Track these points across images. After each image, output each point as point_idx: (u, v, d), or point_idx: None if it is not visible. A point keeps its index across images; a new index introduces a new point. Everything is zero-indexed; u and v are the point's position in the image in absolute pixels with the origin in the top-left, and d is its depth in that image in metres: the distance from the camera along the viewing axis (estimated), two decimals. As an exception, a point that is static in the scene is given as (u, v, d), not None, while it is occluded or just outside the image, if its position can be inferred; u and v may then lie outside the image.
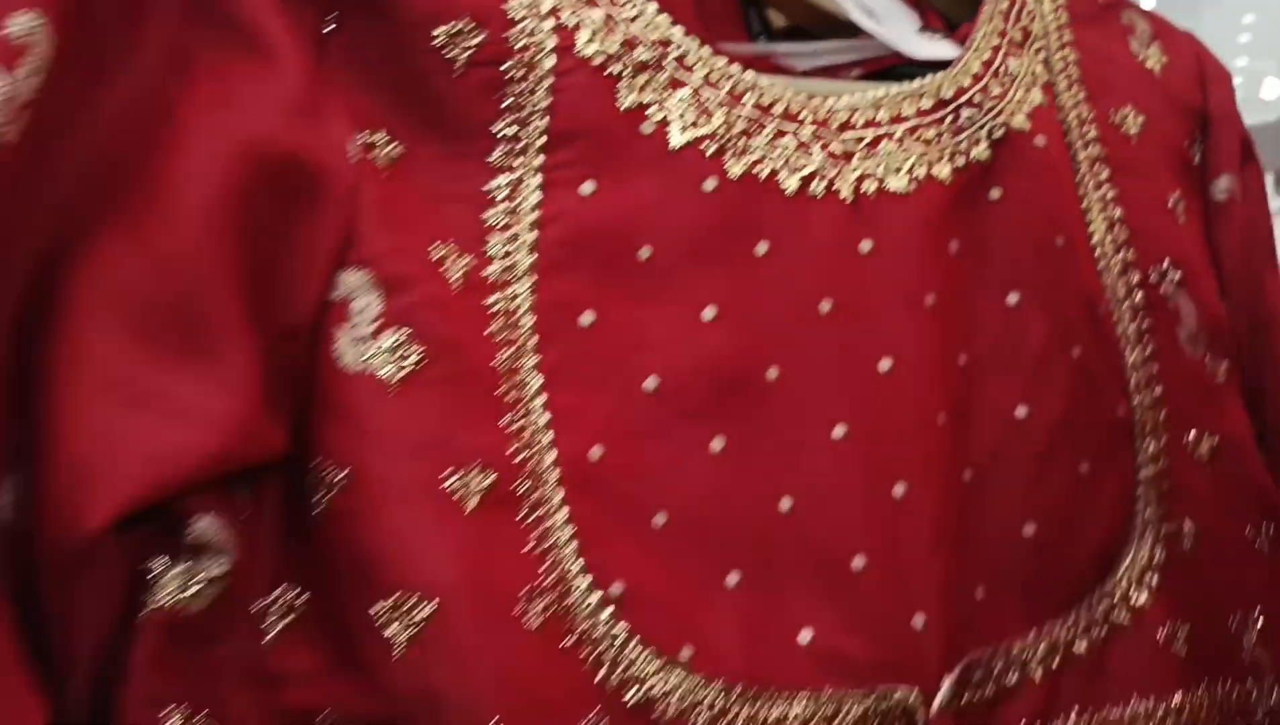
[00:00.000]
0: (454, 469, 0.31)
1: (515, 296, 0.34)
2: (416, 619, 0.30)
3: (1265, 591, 0.46)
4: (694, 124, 0.37)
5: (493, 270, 0.33)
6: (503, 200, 0.34)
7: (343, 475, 0.30)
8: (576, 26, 0.35)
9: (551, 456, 0.34)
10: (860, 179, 0.40)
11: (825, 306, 0.38)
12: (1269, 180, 0.51)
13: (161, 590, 0.28)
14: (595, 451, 0.35)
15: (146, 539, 0.27)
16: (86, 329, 0.26)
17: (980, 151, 0.43)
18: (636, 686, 0.34)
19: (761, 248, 0.38)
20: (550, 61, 0.35)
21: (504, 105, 0.34)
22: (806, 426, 0.37)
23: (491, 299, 0.33)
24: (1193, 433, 0.45)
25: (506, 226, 0.34)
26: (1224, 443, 0.45)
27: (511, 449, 0.32)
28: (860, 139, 0.41)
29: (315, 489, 0.30)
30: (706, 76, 0.38)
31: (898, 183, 0.41)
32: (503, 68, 0.34)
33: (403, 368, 0.31)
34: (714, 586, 0.36)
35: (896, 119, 0.42)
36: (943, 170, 0.42)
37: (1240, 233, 0.49)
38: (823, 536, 0.38)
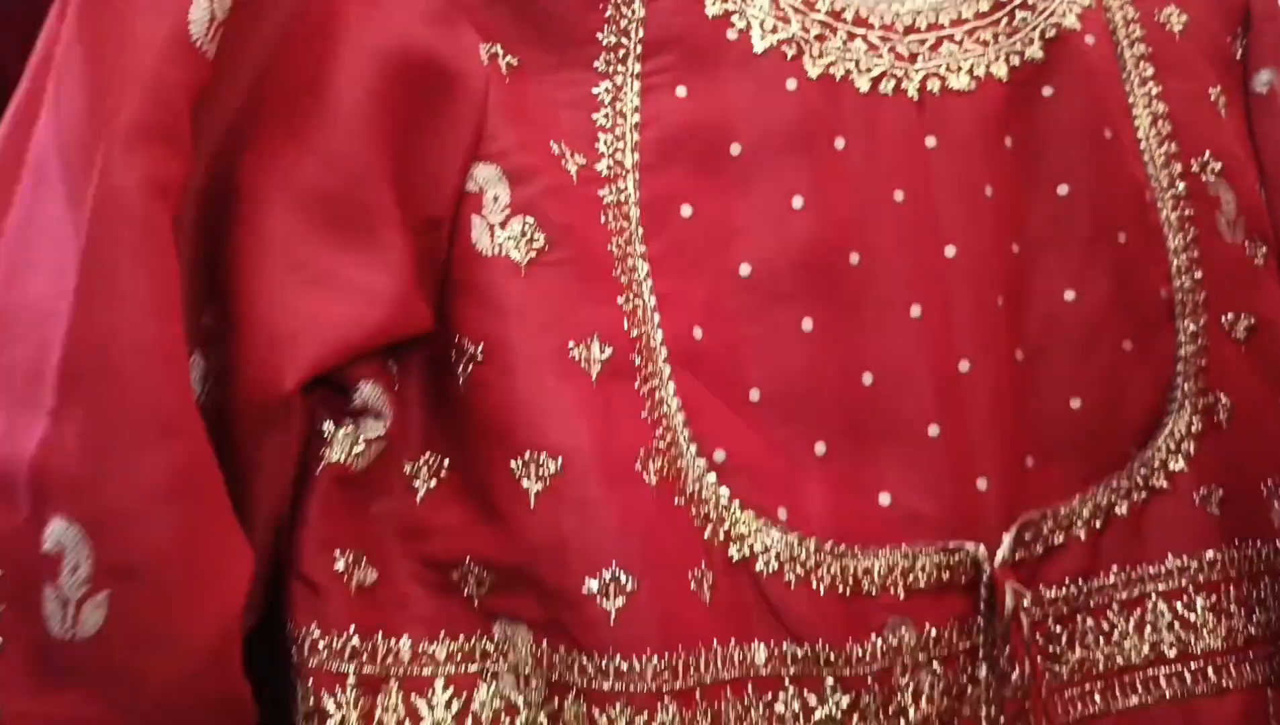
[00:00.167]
0: (577, 341, 0.35)
1: (623, 190, 0.37)
2: (547, 474, 0.34)
3: None
4: (774, 30, 0.40)
5: (602, 166, 0.37)
6: (608, 103, 0.37)
7: (480, 348, 0.34)
8: None
9: (659, 336, 0.37)
10: (925, 78, 0.43)
11: (899, 196, 0.42)
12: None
13: (335, 447, 0.32)
14: (697, 331, 0.38)
15: (319, 402, 0.31)
16: (268, 217, 0.30)
17: (1034, 51, 0.46)
18: (738, 543, 0.39)
19: (840, 142, 0.41)
20: None
21: (606, 15, 0.37)
22: (886, 307, 0.41)
23: (603, 192, 0.37)
24: (1230, 313, 0.49)
25: (612, 127, 0.37)
26: (1260, 323, 0.49)
27: (626, 326, 0.36)
28: (924, 41, 0.44)
29: (457, 362, 0.34)
30: (783, -16, 0.41)
31: (959, 82, 0.44)
32: None
33: (530, 251, 0.35)
34: (805, 454, 0.40)
35: (957, 21, 0.45)
36: (1000, 69, 0.45)
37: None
38: (900, 408, 0.42)
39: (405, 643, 0.35)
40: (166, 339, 0.27)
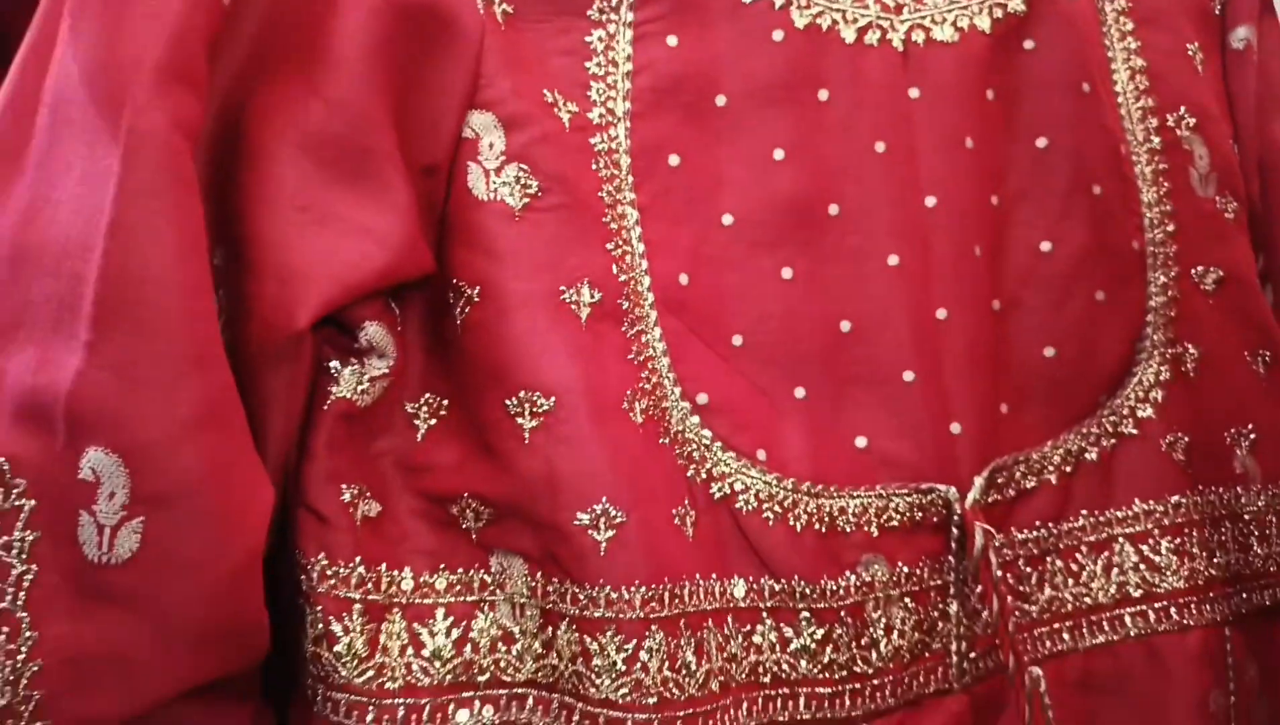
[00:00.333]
0: (568, 285, 0.37)
1: (614, 138, 0.39)
2: (540, 412, 0.36)
3: (1258, 410, 0.53)
4: None
5: (594, 114, 0.39)
6: (600, 51, 0.39)
7: (476, 291, 0.36)
8: None
9: (646, 281, 0.40)
10: (910, 29, 0.45)
11: (880, 147, 0.44)
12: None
13: (341, 384, 0.34)
14: (683, 278, 0.41)
15: (326, 340, 0.33)
16: (275, 161, 0.32)
17: (1016, 4, 0.48)
18: (719, 482, 0.42)
19: (824, 94, 0.43)
20: None
21: None
22: (864, 256, 0.44)
23: (594, 139, 0.39)
24: (1200, 266, 0.52)
25: (604, 75, 0.39)
26: (1228, 276, 0.52)
27: (615, 271, 0.38)
28: (910, -9, 0.45)
29: (454, 303, 0.36)
30: (773, -67, 0.42)
31: (943, 33, 0.46)
32: None
33: (524, 197, 0.37)
34: (784, 398, 0.43)
35: (942, -28, 0.46)
36: (983, 21, 0.47)
37: (1255, 81, 0.55)
38: (878, 354, 0.44)
39: (408, 574, 0.37)
40: (195, 275, 0.29)
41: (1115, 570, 0.51)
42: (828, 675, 0.43)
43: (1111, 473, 0.51)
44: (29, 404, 0.29)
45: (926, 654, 0.46)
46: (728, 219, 0.43)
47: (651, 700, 0.38)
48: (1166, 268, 0.52)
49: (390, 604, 0.37)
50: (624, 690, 0.38)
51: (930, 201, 0.47)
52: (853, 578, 0.44)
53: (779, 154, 0.43)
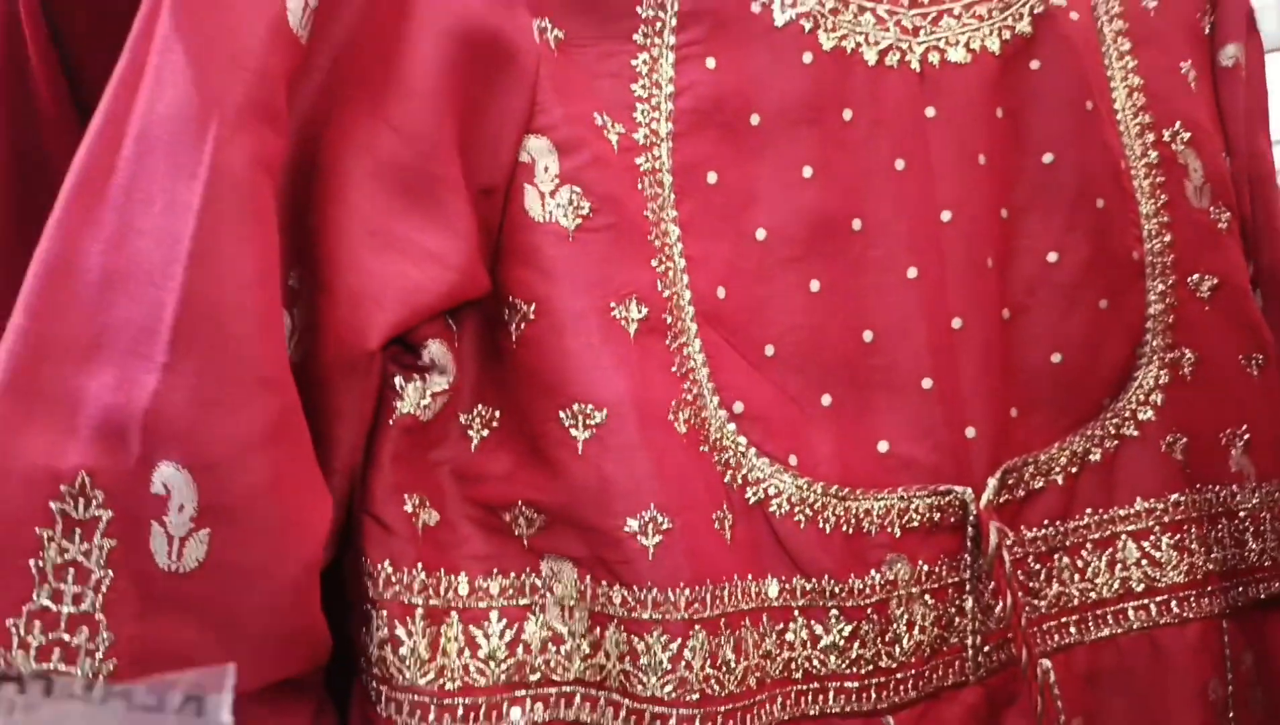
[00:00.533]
0: (618, 301, 0.41)
1: (657, 157, 0.43)
2: (593, 423, 0.39)
3: (1252, 412, 0.59)
4: (793, 4, 0.46)
5: (639, 135, 0.43)
6: (645, 74, 0.42)
7: (532, 308, 0.39)
8: None
9: (687, 295, 0.43)
10: (926, 51, 0.49)
11: (899, 165, 0.48)
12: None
13: (406, 400, 0.37)
14: (720, 291, 0.44)
15: (391, 358, 0.36)
16: (349, 188, 0.35)
17: (1023, 26, 0.52)
18: (754, 487, 0.45)
19: (848, 114, 0.47)
20: None
21: None
22: (885, 269, 0.47)
23: (640, 160, 0.42)
24: (1196, 274, 0.57)
25: (649, 97, 0.42)
26: (1223, 283, 0.57)
27: (659, 286, 0.41)
28: (926, 14, 0.50)
29: (510, 320, 0.39)
30: (800, -40, 0.46)
31: (957, 54, 0.50)
32: None
33: (577, 218, 0.40)
34: (812, 405, 0.47)
35: (956, -4, 0.50)
36: (993, 43, 0.51)
37: (1244, 96, 0.60)
38: (898, 362, 0.48)
39: (464, 579, 0.40)
40: (267, 302, 0.32)
41: (1119, 566, 0.55)
42: (855, 670, 0.46)
43: (1114, 473, 0.56)
44: (108, 421, 0.31)
45: (945, 648, 0.50)
46: (761, 233, 0.46)
47: (694, 696, 0.41)
48: (1165, 276, 0.56)
49: (448, 608, 0.40)
50: (669, 687, 0.41)
51: (946, 216, 0.50)
52: (878, 576, 0.48)
53: (807, 171, 0.47)
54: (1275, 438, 0.60)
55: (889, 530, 0.49)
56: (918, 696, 0.49)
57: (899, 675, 0.48)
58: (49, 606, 0.32)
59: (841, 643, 0.47)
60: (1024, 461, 0.53)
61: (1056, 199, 0.54)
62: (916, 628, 0.49)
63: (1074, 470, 0.55)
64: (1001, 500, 0.52)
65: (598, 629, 0.42)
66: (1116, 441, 0.56)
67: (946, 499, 0.50)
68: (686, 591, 0.42)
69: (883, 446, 0.50)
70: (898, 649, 0.48)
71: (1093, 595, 0.55)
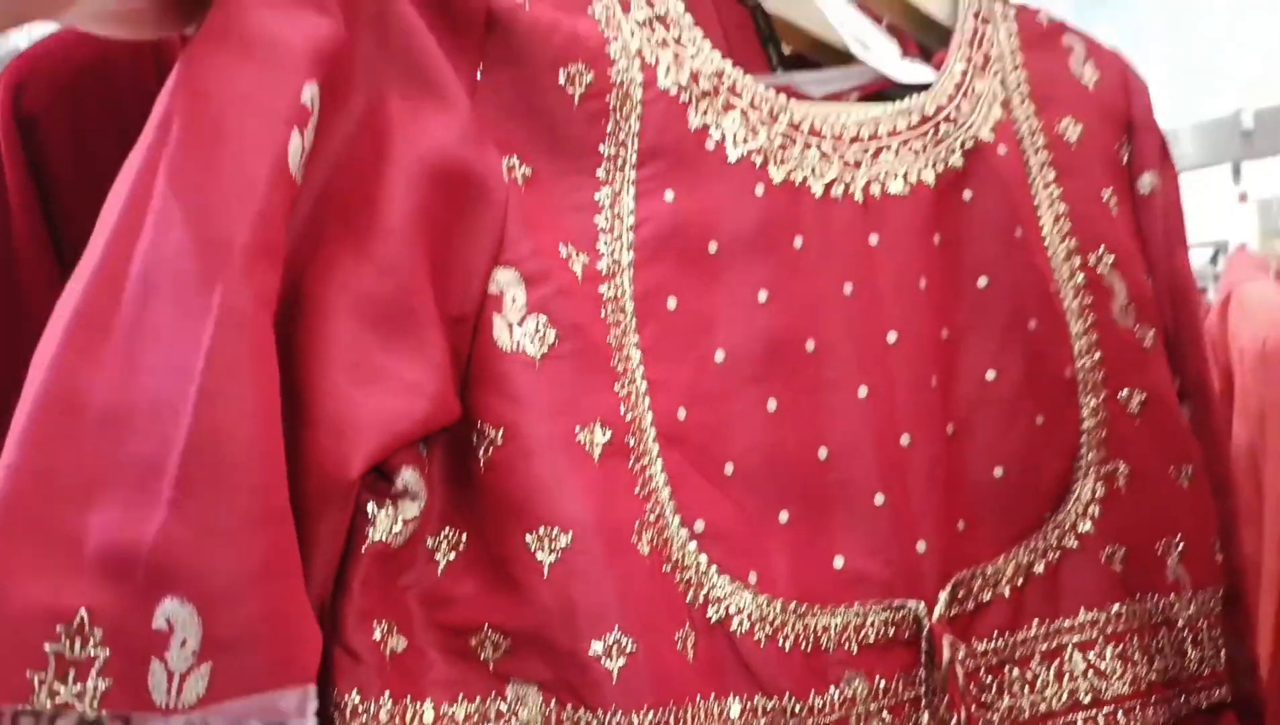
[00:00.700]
0: (582, 426, 0.43)
1: (619, 286, 0.45)
2: (559, 547, 0.41)
3: (1185, 522, 0.63)
4: (745, 140, 0.50)
5: (603, 264, 0.45)
6: (607, 207, 0.45)
7: (500, 433, 0.41)
8: (656, 63, 0.48)
9: (649, 417, 0.46)
10: (868, 183, 0.53)
11: (848, 289, 0.51)
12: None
13: (378, 527, 0.38)
14: (681, 412, 0.47)
15: (364, 485, 0.37)
16: (330, 321, 0.37)
17: (955, 159, 0.56)
18: (715, 605, 0.47)
19: (798, 241, 0.50)
20: (639, 93, 0.47)
21: (608, 129, 0.46)
22: (838, 388, 0.50)
23: (603, 288, 0.45)
24: (1125, 390, 0.61)
25: (611, 228, 0.45)
26: (1151, 398, 0.61)
27: (622, 410, 0.44)
28: (866, 150, 0.54)
29: (478, 445, 0.41)
30: (750, 101, 0.50)
31: (896, 186, 0.54)
32: (607, 99, 0.46)
33: (543, 346, 0.43)
34: (771, 522, 0.49)
35: (893, 132, 0.55)
36: (929, 175, 0.55)
37: (1161, 220, 0.64)
38: (851, 479, 0.51)
39: (429, 706, 0.41)
40: (272, 436, 0.34)
41: (1066, 677, 0.58)
42: None
43: (1058, 584, 0.59)
44: (111, 558, 0.32)
45: (902, 765, 0.50)
46: (719, 356, 0.49)
47: (658, 818, 0.42)
48: (1096, 392, 0.61)
49: (414, 737, 0.41)
50: (632, 809, 0.41)
51: (892, 337, 0.54)
52: (836, 693, 0.50)
53: (763, 296, 0.50)
54: (1207, 547, 0.63)
55: (846, 647, 0.51)
56: (878, 814, 0.50)
57: (859, 793, 0.49)
58: None
59: None
60: (972, 574, 0.56)
61: (992, 320, 0.59)
62: None
63: (1020, 582, 0.57)
64: (953, 613, 0.55)
65: None
66: (1059, 553, 0.59)
67: (900, 614, 0.52)
68: (650, 714, 0.43)
69: (838, 562, 0.52)
70: (858, 767, 0.50)
71: (1042, 708, 0.57)
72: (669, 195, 0.49)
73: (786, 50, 0.62)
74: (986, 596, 0.56)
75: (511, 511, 0.43)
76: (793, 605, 0.50)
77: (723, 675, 0.48)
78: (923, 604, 0.53)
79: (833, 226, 0.54)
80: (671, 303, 0.48)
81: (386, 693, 0.41)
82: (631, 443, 0.46)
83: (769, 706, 0.48)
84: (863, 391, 0.53)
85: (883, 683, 0.51)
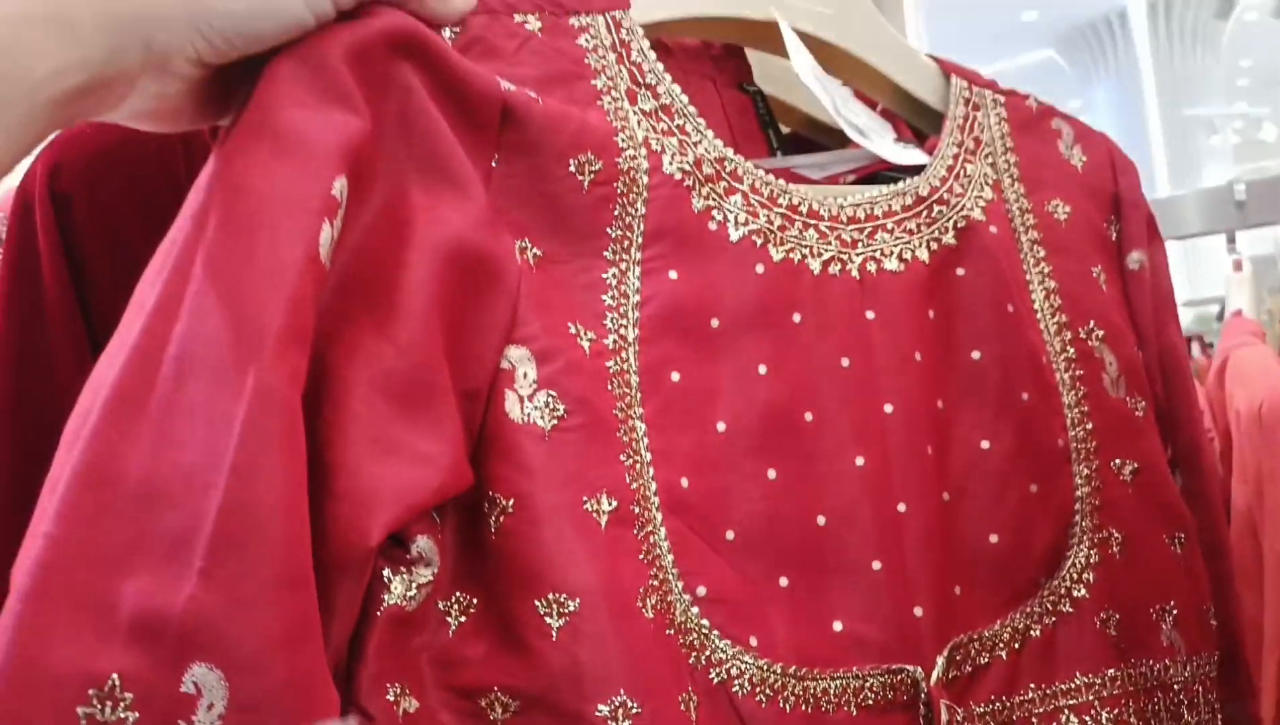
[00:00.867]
0: (589, 495, 0.45)
1: (625, 361, 0.47)
2: (567, 612, 0.42)
3: (1178, 587, 0.64)
4: (745, 222, 0.52)
5: (610, 340, 0.47)
6: (614, 286, 0.48)
7: (511, 503, 0.43)
8: (662, 150, 0.50)
9: (653, 486, 0.47)
10: (864, 261, 0.55)
11: (845, 362, 0.53)
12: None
13: (393, 593, 0.40)
14: (684, 481, 0.48)
15: (381, 552, 0.39)
16: (353, 398, 0.39)
17: (949, 238, 0.59)
18: (717, 668, 0.48)
19: (797, 317, 0.52)
20: (645, 178, 0.49)
21: (615, 213, 0.48)
22: (835, 457, 0.52)
23: (610, 363, 0.47)
24: (1118, 459, 0.62)
25: (617, 306, 0.47)
26: (1143, 467, 0.62)
27: (628, 479, 0.45)
28: (863, 229, 0.56)
29: (489, 513, 0.42)
30: (751, 185, 0.53)
31: (891, 263, 0.56)
32: (615, 185, 0.49)
33: (553, 419, 0.44)
34: (771, 587, 0.50)
35: (888, 213, 0.57)
36: (923, 253, 0.57)
37: (1150, 295, 0.66)
38: (849, 545, 0.52)
39: None
40: (298, 510, 0.36)
41: None
42: None
43: (1054, 648, 0.60)
44: (143, 624, 0.34)
45: (901, 828, 0.51)
46: (721, 427, 0.51)
47: None
48: (1089, 461, 0.62)
49: (424, 798, 0.42)
50: None
51: (888, 408, 0.55)
52: None
53: (762, 369, 0.52)
54: (1201, 612, 0.64)
55: (846, 709, 0.52)
56: None
57: None
58: None
59: None
60: (969, 638, 0.57)
61: (985, 392, 0.60)
62: None
63: (1016, 646, 0.59)
64: (950, 677, 0.56)
65: None
66: (1054, 618, 0.60)
67: (898, 677, 0.53)
68: None
69: (837, 626, 0.53)
70: (856, 830, 0.51)
71: (1040, 772, 0.58)
72: (673, 274, 0.51)
73: (785, 130, 0.65)
74: (984, 660, 0.58)
75: (521, 577, 0.44)
76: (792, 669, 0.51)
77: None
78: (920, 668, 0.54)
79: (830, 302, 0.56)
80: (675, 376, 0.50)
81: None
82: (636, 511, 0.48)
83: None
84: (860, 461, 0.54)
85: (882, 745, 0.52)
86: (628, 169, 0.50)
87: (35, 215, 0.57)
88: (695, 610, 0.49)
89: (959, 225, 0.61)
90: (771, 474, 0.52)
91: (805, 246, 0.55)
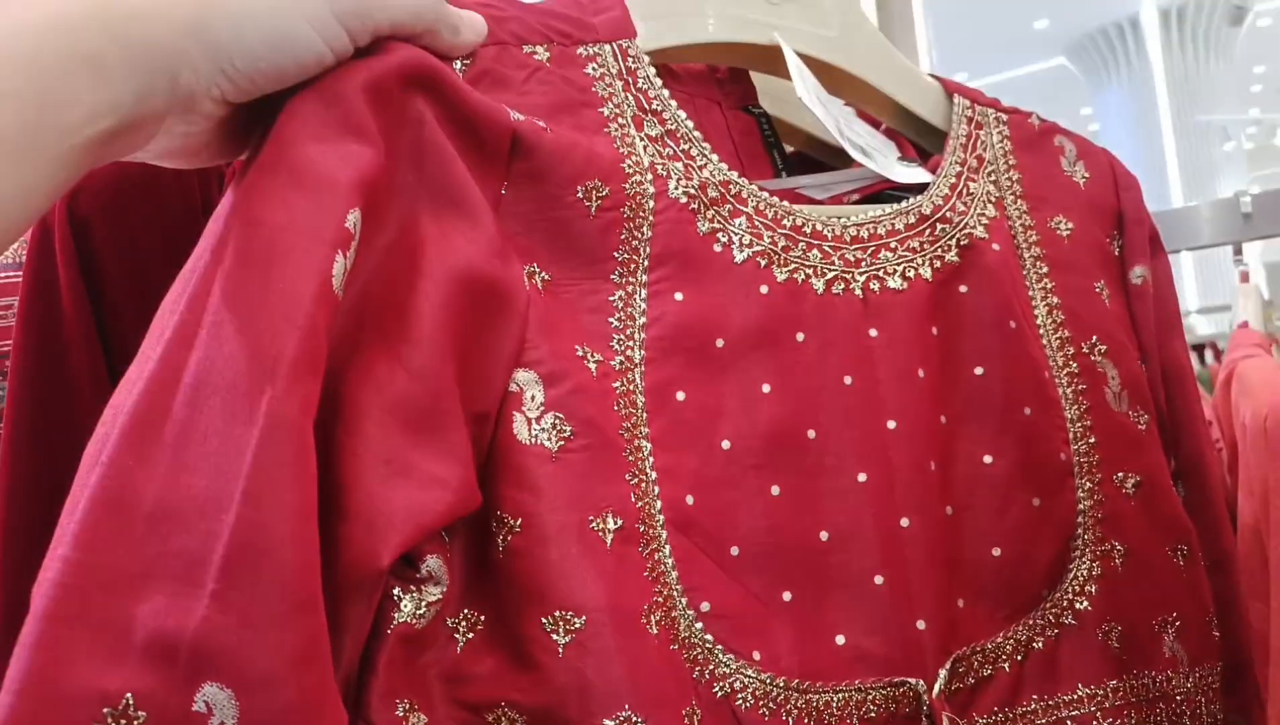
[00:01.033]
0: (595, 515, 0.45)
1: (631, 381, 0.48)
2: (573, 629, 0.43)
3: (1180, 599, 0.64)
4: (750, 243, 0.52)
5: (616, 362, 0.48)
6: (620, 308, 0.48)
7: (518, 522, 0.43)
8: (668, 175, 0.51)
9: (659, 504, 0.48)
10: (868, 280, 0.56)
11: (848, 380, 0.54)
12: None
13: (403, 611, 0.40)
14: (689, 499, 0.49)
15: (392, 572, 0.40)
16: (365, 422, 0.40)
17: (951, 256, 0.59)
18: (721, 682, 0.49)
19: (800, 336, 0.53)
20: (651, 203, 0.50)
21: (621, 237, 0.49)
22: (838, 474, 0.53)
23: (616, 384, 0.48)
24: (1120, 473, 0.62)
25: (624, 328, 0.48)
26: (1145, 480, 0.63)
27: (633, 498, 0.46)
28: (866, 248, 0.56)
29: (497, 532, 0.43)
30: (756, 207, 0.53)
31: (894, 282, 0.57)
32: (621, 210, 0.50)
33: (560, 440, 0.45)
34: (774, 602, 0.51)
35: (891, 232, 0.57)
36: (926, 271, 0.58)
37: (1153, 310, 0.67)
38: (852, 560, 0.53)
39: None
40: (309, 533, 0.36)
41: None
42: None
43: (1056, 660, 0.60)
44: (156, 644, 0.35)
45: (904, 839, 0.52)
46: (725, 444, 0.51)
47: None
48: (1092, 474, 0.62)
49: (431, 813, 0.43)
50: None
51: (891, 424, 0.56)
52: None
53: (766, 388, 0.52)
54: (1203, 623, 0.65)
55: (849, 722, 0.53)
56: None
57: None
58: None
59: None
60: (972, 650, 0.57)
61: (988, 407, 0.61)
62: None
63: (1019, 658, 0.59)
64: (953, 689, 0.56)
65: None
66: (1057, 630, 0.60)
67: (901, 690, 0.54)
68: None
69: (840, 640, 0.54)
70: (859, 841, 0.51)
71: (1042, 782, 0.58)
72: (678, 296, 0.52)
73: (790, 150, 0.66)
74: (987, 672, 0.58)
75: (528, 595, 0.45)
76: (795, 682, 0.51)
77: None
78: (922, 681, 0.54)
79: (834, 321, 0.56)
80: (680, 396, 0.51)
81: None
82: (641, 529, 0.49)
83: None
84: (862, 477, 0.55)
85: (884, 757, 0.53)
86: (634, 194, 0.51)
87: (55, 240, 0.58)
88: (699, 625, 0.50)
89: (962, 243, 0.61)
90: (775, 490, 0.53)
91: (809, 267, 0.56)
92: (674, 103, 0.56)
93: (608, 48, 0.56)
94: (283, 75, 0.42)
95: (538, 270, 0.49)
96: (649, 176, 0.52)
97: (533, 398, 0.46)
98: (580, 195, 0.50)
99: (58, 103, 0.35)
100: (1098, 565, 0.62)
